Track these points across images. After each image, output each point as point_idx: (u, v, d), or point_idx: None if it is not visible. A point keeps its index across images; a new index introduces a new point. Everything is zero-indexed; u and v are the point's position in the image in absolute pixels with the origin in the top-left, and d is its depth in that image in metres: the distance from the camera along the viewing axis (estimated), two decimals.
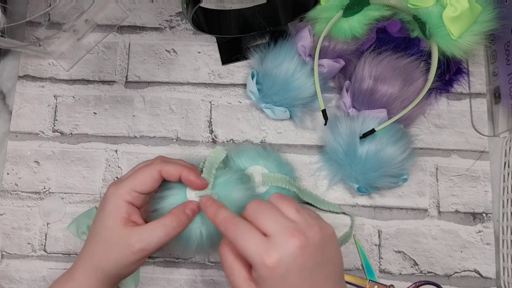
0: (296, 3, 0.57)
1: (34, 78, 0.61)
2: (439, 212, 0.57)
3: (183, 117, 0.60)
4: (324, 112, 0.53)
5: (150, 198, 0.47)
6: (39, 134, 0.60)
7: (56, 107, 0.60)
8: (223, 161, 0.50)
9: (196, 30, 0.56)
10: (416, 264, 0.55)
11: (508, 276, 0.53)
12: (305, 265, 0.36)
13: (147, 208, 0.47)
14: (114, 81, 0.61)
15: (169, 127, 0.60)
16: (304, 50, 0.55)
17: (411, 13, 0.53)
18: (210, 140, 0.59)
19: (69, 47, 0.62)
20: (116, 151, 0.59)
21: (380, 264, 0.55)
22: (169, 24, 0.63)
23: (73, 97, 0.61)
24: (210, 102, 0.60)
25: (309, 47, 0.55)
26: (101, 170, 0.58)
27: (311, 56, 0.56)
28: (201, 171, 0.48)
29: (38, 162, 0.59)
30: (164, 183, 0.46)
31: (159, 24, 0.63)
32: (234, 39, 0.61)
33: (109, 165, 0.59)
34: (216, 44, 0.62)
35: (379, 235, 0.56)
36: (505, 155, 0.57)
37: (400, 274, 0.55)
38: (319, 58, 0.55)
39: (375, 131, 0.52)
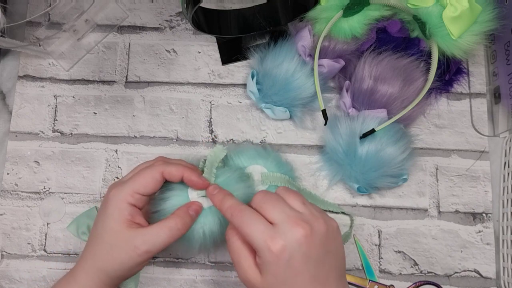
0: (296, 3, 0.58)
1: (34, 78, 0.61)
2: (439, 212, 0.57)
3: (183, 117, 0.60)
4: (324, 112, 0.53)
5: (151, 199, 0.47)
6: (39, 134, 0.60)
7: (56, 107, 0.60)
8: (222, 160, 0.50)
9: (196, 30, 0.56)
10: (416, 264, 0.55)
11: (508, 276, 0.53)
12: (309, 254, 0.37)
13: (147, 209, 0.47)
14: (114, 81, 0.61)
15: (169, 127, 0.60)
16: (304, 50, 0.55)
17: (411, 13, 0.53)
18: (210, 140, 0.59)
19: (69, 47, 0.62)
20: (116, 151, 0.59)
21: (380, 264, 0.55)
22: (169, 24, 0.63)
23: (73, 97, 0.61)
24: (210, 102, 0.60)
25: (309, 47, 0.55)
26: (101, 170, 0.58)
27: (311, 56, 0.56)
28: (202, 171, 0.48)
29: (38, 162, 0.59)
30: (165, 184, 0.46)
31: (159, 24, 0.63)
32: (234, 39, 0.61)
33: (109, 165, 0.59)
34: (216, 44, 0.62)
35: (379, 235, 0.56)
36: (505, 155, 0.57)
37: (400, 274, 0.55)
38: (319, 58, 0.55)
39: (375, 131, 0.52)
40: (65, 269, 0.56)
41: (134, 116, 0.60)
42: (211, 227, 0.46)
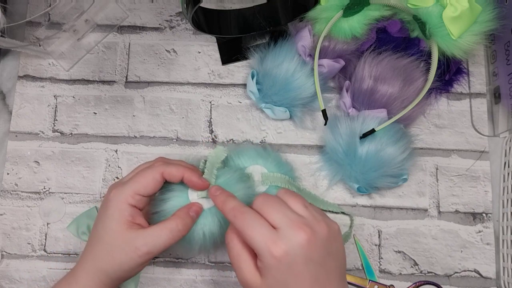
0: (296, 3, 0.57)
1: (34, 78, 0.61)
2: (439, 212, 0.57)
3: (183, 117, 0.60)
4: (324, 112, 0.53)
5: (151, 199, 0.47)
6: (39, 134, 0.60)
7: (56, 107, 0.60)
8: (223, 161, 0.50)
9: (196, 30, 0.56)
10: (416, 264, 0.55)
11: (508, 276, 0.53)
12: (311, 257, 0.37)
13: (147, 209, 0.47)
14: (114, 81, 0.61)
15: (169, 127, 0.60)
16: (304, 50, 0.55)
17: (411, 13, 0.53)
18: (210, 140, 0.59)
19: (69, 47, 0.62)
20: (116, 151, 0.59)
21: (380, 264, 0.55)
22: (169, 24, 0.63)
23: (73, 97, 0.61)
24: (210, 102, 0.60)
25: (309, 47, 0.55)
26: (101, 170, 0.58)
27: (311, 56, 0.56)
28: (202, 172, 0.48)
29: (38, 162, 0.59)
30: (164, 185, 0.46)
31: (159, 24, 0.63)
32: (234, 39, 0.61)
33: (109, 165, 0.59)
34: (216, 44, 0.62)
35: (379, 235, 0.56)
36: (505, 155, 0.57)
37: (400, 274, 0.55)
38: (319, 58, 0.55)
39: (375, 131, 0.52)
40: (65, 269, 0.56)
41: (134, 116, 0.60)
42: (211, 228, 0.46)
